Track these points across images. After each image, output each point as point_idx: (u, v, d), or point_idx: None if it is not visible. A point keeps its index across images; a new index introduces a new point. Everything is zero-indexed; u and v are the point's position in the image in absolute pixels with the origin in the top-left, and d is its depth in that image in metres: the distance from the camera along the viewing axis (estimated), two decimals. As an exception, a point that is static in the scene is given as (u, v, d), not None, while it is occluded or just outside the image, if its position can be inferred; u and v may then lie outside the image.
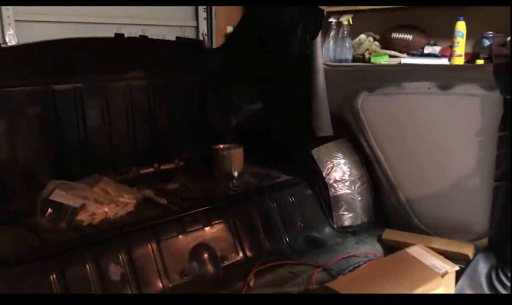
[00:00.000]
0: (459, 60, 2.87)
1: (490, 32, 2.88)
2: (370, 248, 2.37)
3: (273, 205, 2.38)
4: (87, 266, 1.79)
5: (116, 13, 3.11)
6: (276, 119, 2.75)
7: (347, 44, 3.19)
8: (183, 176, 2.69)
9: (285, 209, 2.42)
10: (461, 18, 2.86)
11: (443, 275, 1.77)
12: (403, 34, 3.20)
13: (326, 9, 2.49)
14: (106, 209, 2.10)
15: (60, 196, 2.05)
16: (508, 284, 1.99)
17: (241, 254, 2.18)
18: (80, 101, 2.49)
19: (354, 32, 3.29)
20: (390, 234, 2.42)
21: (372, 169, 2.63)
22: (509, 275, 2.02)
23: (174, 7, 3.45)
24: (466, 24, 2.86)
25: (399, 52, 3.20)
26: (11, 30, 2.78)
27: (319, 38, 2.50)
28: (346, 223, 2.52)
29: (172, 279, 1.95)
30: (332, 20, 3.26)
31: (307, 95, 2.51)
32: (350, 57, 3.21)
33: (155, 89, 2.79)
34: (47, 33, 2.73)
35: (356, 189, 2.57)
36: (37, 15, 2.90)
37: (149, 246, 1.96)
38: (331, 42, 3.24)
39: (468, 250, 2.19)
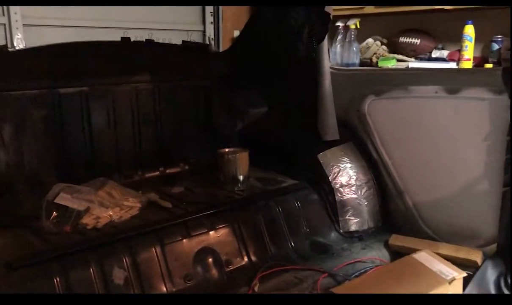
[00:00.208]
0: (468, 64, 2.86)
1: (499, 36, 2.86)
2: (377, 254, 2.34)
3: (279, 209, 2.36)
4: (91, 269, 1.78)
5: (122, 17, 3.13)
6: (282, 123, 2.74)
7: (354, 48, 3.18)
8: (188, 179, 2.69)
9: (290, 213, 2.39)
10: (470, 22, 2.84)
11: (450, 282, 1.75)
12: (410, 38, 3.19)
13: (333, 13, 2.48)
14: (111, 213, 2.10)
15: (65, 199, 2.05)
16: (517, 291, 1.96)
17: (245, 259, 2.16)
18: (86, 105, 2.50)
19: (361, 36, 3.28)
20: (396, 240, 2.40)
21: (379, 173, 2.60)
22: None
23: (181, 11, 3.46)
24: (475, 28, 2.85)
25: (407, 56, 3.18)
26: (19, 34, 2.81)
27: (325, 42, 2.48)
28: (352, 228, 2.50)
29: (176, 283, 1.94)
30: (339, 24, 3.25)
31: (313, 99, 2.49)
32: (357, 61, 3.19)
33: (161, 93, 2.79)
34: (55, 37, 2.76)
35: (362, 193, 2.55)
36: (45, 19, 2.93)
37: (153, 249, 1.95)
38: (338, 46, 3.23)
39: (476, 256, 2.15)
